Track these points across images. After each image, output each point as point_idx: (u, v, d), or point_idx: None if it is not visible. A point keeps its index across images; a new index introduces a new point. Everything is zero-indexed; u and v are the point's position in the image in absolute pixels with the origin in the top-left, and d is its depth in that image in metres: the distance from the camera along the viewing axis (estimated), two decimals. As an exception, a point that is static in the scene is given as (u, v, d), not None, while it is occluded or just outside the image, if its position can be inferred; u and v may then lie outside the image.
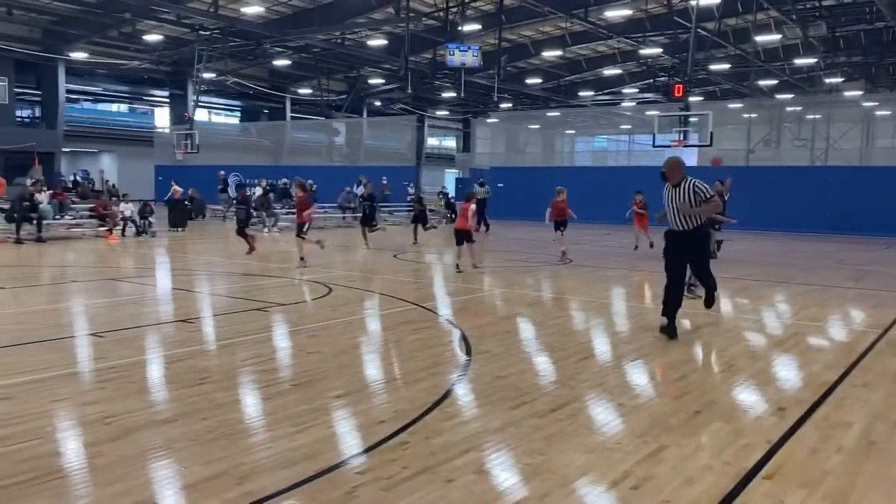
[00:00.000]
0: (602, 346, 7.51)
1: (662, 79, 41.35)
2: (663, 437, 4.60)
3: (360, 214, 19.32)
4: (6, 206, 18.75)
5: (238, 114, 53.12)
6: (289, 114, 49.11)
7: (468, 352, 6.84)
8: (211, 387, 5.54)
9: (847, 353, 7.11)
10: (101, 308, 9.20)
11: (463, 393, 5.57)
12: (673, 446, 4.43)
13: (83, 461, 4.08)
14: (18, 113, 40.40)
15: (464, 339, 7.41)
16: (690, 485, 3.88)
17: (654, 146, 27.63)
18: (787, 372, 6.50)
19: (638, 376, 6.25)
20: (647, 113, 34.75)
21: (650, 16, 31.64)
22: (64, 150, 40.53)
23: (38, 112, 41.83)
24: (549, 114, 43.90)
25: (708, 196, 7.41)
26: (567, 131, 45.37)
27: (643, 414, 5.07)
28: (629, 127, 42.26)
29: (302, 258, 13.63)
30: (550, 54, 39.23)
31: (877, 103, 34.78)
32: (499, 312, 9.51)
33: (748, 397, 5.61)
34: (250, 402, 5.35)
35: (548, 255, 15.73)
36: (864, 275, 14.00)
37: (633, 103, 46.26)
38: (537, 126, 44.01)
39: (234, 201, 17.12)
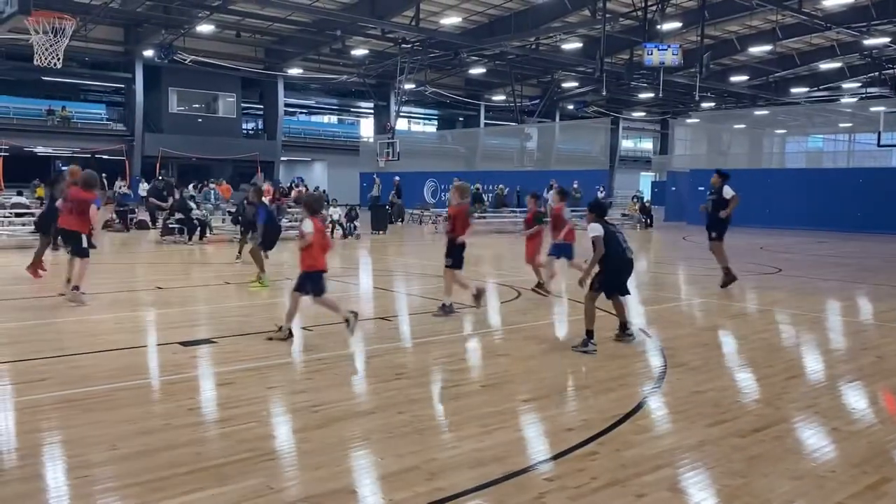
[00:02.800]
0: (814, 364, 6.89)
1: (890, 71, 37.31)
2: (886, 468, 4.13)
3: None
4: (233, 210, 20.90)
5: (435, 122, 55.26)
6: (482, 120, 50.21)
7: (663, 364, 6.57)
8: (406, 382, 5.79)
9: None
10: (310, 304, 9.89)
11: (656, 406, 5.35)
12: (898, 481, 3.97)
13: (292, 446, 4.43)
14: (244, 126, 45.06)
15: (658, 350, 7.13)
16: (920, 526, 3.45)
17: (878, 146, 25.06)
18: None
19: (856, 399, 5.66)
20: (872, 109, 31.42)
21: (876, 1, 28.64)
22: (282, 158, 44.59)
23: (260, 125, 46.38)
24: (756, 112, 41.15)
25: None
26: (777, 131, 42.18)
27: (862, 441, 4.58)
28: (850, 125, 38.43)
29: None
30: (758, 49, 36.81)
31: None
32: (697, 324, 9.05)
33: None
34: (441, 400, 5.51)
35: (755, 264, 14.70)
36: None
37: (855, 99, 42.09)
38: (742, 126, 41.34)
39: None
